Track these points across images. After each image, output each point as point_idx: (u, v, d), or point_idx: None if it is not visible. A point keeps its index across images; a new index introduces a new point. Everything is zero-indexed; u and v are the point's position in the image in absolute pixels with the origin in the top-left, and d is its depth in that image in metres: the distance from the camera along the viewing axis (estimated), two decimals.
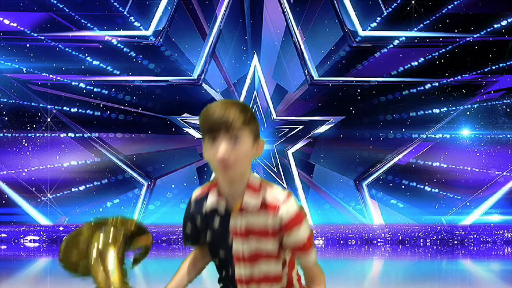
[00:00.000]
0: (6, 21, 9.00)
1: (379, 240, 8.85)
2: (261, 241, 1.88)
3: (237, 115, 1.77)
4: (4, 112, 9.10)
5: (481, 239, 8.88)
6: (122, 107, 9.21)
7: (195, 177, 9.08)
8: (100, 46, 9.16)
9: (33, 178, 9.02)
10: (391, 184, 9.22)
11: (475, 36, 9.09)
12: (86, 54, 9.10)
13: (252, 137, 1.83)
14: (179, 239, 8.46)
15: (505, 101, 9.18)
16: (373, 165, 9.25)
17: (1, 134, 9.07)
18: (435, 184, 9.15)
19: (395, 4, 9.10)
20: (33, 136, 9.10)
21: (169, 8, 9.15)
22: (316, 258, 1.97)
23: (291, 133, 9.24)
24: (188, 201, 1.99)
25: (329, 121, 9.22)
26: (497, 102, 9.20)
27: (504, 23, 9.06)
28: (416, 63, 9.16)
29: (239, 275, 1.92)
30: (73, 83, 9.12)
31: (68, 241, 2.07)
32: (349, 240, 8.82)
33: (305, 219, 1.90)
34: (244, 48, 9.28)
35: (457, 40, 9.11)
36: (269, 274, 1.91)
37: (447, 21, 9.11)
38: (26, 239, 8.76)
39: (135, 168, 9.16)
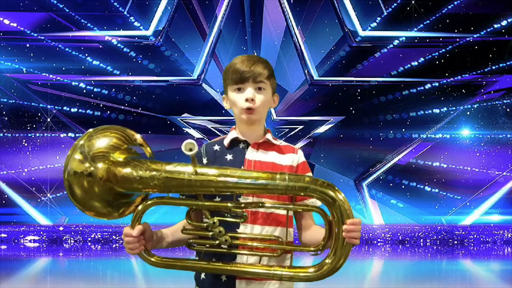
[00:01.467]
0: (6, 21, 9.00)
1: (379, 240, 8.85)
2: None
3: (262, 69, 2.10)
4: (4, 112, 9.10)
5: (481, 239, 8.88)
6: (122, 107, 9.21)
7: None
8: (100, 46, 9.16)
9: (33, 178, 9.02)
10: (391, 184, 9.22)
11: (475, 36, 9.09)
12: (86, 54, 9.11)
13: (272, 90, 2.15)
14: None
15: (505, 101, 9.18)
16: (373, 165, 9.25)
17: (1, 134, 9.07)
18: (435, 184, 9.15)
19: (395, 4, 9.10)
20: (33, 136, 9.10)
21: (169, 8, 9.15)
22: None
23: (291, 133, 9.24)
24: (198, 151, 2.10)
25: (329, 121, 9.22)
26: (497, 102, 9.20)
27: (504, 23, 9.06)
28: (416, 63, 9.16)
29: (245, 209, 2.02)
30: (73, 83, 9.13)
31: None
32: None
33: None
34: (244, 48, 9.28)
35: (457, 40, 9.12)
36: (273, 214, 2.04)
37: (447, 21, 9.11)
38: (26, 239, 8.76)
39: None
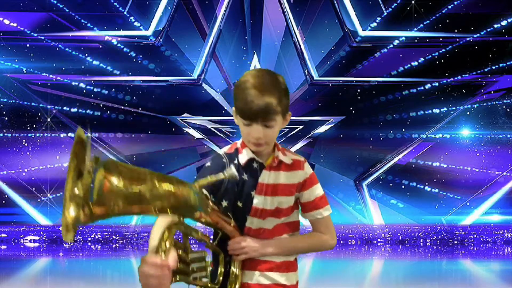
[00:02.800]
0: (6, 21, 8.99)
1: (379, 240, 8.85)
2: (282, 198, 2.07)
3: (273, 105, 1.93)
4: (4, 112, 9.10)
5: (481, 239, 8.88)
6: (122, 107, 9.21)
7: (195, 177, 9.05)
8: (100, 46, 9.16)
9: (33, 178, 9.01)
10: (391, 184, 9.22)
11: (475, 36, 9.09)
12: (86, 54, 9.10)
13: (283, 115, 2.01)
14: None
15: (505, 101, 9.18)
16: (373, 165, 9.25)
17: (1, 134, 9.07)
18: (435, 184, 9.14)
19: (395, 4, 9.10)
20: (33, 136, 9.10)
21: (169, 8, 9.15)
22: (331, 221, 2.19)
23: (291, 133, 9.24)
24: (215, 155, 2.08)
25: (329, 121, 9.21)
26: (497, 102, 9.19)
27: (504, 23, 9.06)
28: (416, 63, 9.16)
29: (249, 226, 2.05)
30: (73, 83, 9.12)
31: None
32: (349, 240, 8.81)
33: None
34: (244, 48, 9.28)
35: (457, 40, 9.11)
36: (280, 228, 2.08)
37: (447, 21, 9.11)
38: (26, 239, 8.76)
39: None
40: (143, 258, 1.63)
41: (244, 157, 2.04)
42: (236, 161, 2.04)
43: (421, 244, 8.80)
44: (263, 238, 2.07)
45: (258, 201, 2.04)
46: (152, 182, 1.61)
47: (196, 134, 9.18)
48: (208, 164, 2.06)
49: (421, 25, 9.10)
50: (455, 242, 8.83)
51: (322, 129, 9.17)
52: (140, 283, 1.64)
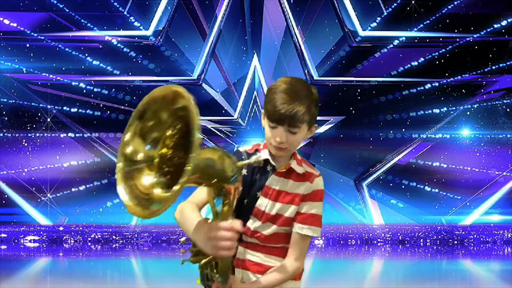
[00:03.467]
0: (6, 21, 9.00)
1: (379, 240, 8.85)
2: (284, 205, 2.08)
3: (301, 113, 1.98)
4: (4, 112, 9.10)
5: (481, 239, 8.88)
6: (122, 107, 9.21)
7: None
8: (100, 46, 9.16)
9: (33, 178, 9.01)
10: (391, 184, 9.22)
11: (475, 36, 9.09)
12: (86, 54, 9.10)
13: (309, 125, 2.06)
14: (179, 239, 8.44)
15: (505, 101, 9.18)
16: (373, 165, 9.25)
17: (1, 134, 9.07)
18: (435, 184, 9.14)
19: (395, 4, 9.10)
20: (33, 136, 9.10)
21: (169, 8, 9.15)
22: (308, 245, 2.11)
23: None
24: (236, 150, 2.12)
25: (329, 121, 9.22)
26: (497, 102, 9.20)
27: (504, 23, 9.06)
28: (416, 63, 9.16)
29: (249, 226, 2.08)
30: (73, 83, 9.12)
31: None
32: (349, 240, 8.82)
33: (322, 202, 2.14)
34: (244, 48, 9.28)
35: (457, 40, 9.11)
36: (275, 237, 2.08)
37: (447, 21, 9.11)
38: (26, 239, 8.76)
39: None
40: (209, 224, 1.76)
41: (262, 157, 2.04)
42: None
43: (421, 244, 8.80)
44: (258, 241, 2.08)
45: (261, 202, 2.07)
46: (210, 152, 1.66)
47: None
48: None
49: (421, 25, 9.10)
50: (455, 242, 8.83)
51: (322, 129, 9.17)
52: (205, 249, 1.75)
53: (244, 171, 2.08)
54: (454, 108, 9.20)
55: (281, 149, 2.03)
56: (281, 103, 1.96)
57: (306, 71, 9.19)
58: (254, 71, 9.24)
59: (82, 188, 9.07)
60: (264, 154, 2.09)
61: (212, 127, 9.21)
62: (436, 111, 9.21)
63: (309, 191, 2.09)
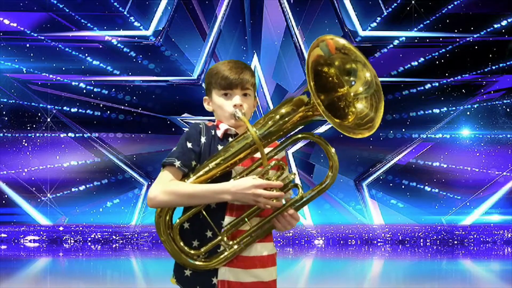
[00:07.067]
0: (6, 21, 8.99)
1: (379, 240, 8.85)
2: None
3: (250, 77, 2.21)
4: (4, 112, 9.09)
5: (481, 239, 8.88)
6: (122, 107, 9.21)
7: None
8: (100, 46, 9.16)
9: (33, 178, 9.01)
10: (391, 184, 9.22)
11: (475, 36, 9.09)
12: (86, 54, 9.10)
13: (254, 94, 2.26)
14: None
15: (505, 101, 9.18)
16: (373, 165, 9.25)
17: (1, 134, 9.07)
18: (435, 184, 9.14)
19: (395, 4, 9.10)
20: (33, 136, 9.09)
21: (169, 8, 9.15)
22: None
23: (291, 133, 9.23)
24: (194, 124, 2.20)
25: None
26: (497, 102, 9.19)
27: (504, 23, 9.06)
28: (416, 63, 9.16)
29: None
30: (73, 83, 9.12)
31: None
32: (349, 240, 8.82)
33: None
34: (244, 48, 9.28)
35: (457, 40, 9.11)
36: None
37: (447, 21, 9.11)
38: (26, 239, 8.76)
39: (135, 168, 9.16)
40: (254, 184, 2.03)
41: (221, 130, 2.18)
42: (214, 133, 2.18)
43: (421, 244, 8.80)
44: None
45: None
46: None
47: None
48: (187, 129, 2.20)
49: (421, 25, 9.10)
50: (455, 242, 8.83)
51: (322, 129, 9.16)
52: (246, 200, 2.04)
53: (203, 139, 2.15)
54: (454, 108, 9.20)
55: (239, 119, 2.12)
56: (229, 70, 2.18)
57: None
58: (254, 71, 9.24)
59: (82, 188, 9.07)
60: (222, 126, 2.18)
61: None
62: (436, 111, 9.21)
63: (282, 156, 2.29)
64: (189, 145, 2.13)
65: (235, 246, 2.07)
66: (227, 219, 2.10)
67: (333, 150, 2.15)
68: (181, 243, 2.11)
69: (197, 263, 2.09)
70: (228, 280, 2.10)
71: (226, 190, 2.04)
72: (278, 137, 2.15)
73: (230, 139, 2.16)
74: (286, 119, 2.13)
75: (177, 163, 2.11)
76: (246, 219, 2.08)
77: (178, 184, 2.09)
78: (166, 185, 2.09)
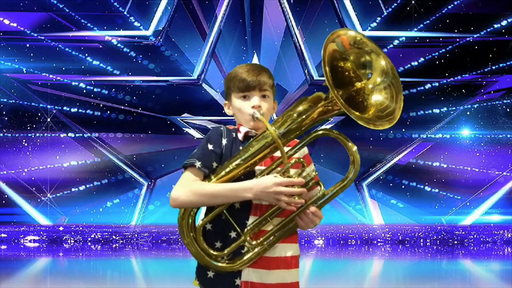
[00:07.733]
0: (6, 21, 9.00)
1: (379, 240, 8.85)
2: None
3: (267, 78, 2.21)
4: (4, 112, 9.10)
5: (481, 239, 8.88)
6: (122, 107, 9.21)
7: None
8: (100, 46, 9.16)
9: (33, 178, 9.01)
10: (391, 184, 9.22)
11: (475, 36, 9.09)
12: (86, 54, 9.10)
13: (273, 97, 2.27)
14: (179, 239, 8.45)
15: (505, 101, 9.18)
16: (373, 165, 9.25)
17: (1, 134, 9.07)
18: (435, 184, 9.14)
19: (395, 4, 9.10)
20: (33, 136, 9.09)
21: (169, 8, 9.15)
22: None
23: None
24: (216, 127, 2.21)
25: (329, 121, 9.22)
26: (497, 102, 9.19)
27: (504, 23, 9.06)
28: (416, 63, 9.16)
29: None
30: (73, 83, 9.12)
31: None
32: (349, 240, 8.82)
33: None
34: (244, 48, 9.28)
35: (457, 40, 9.11)
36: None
37: (447, 21, 9.11)
38: (26, 239, 8.76)
39: (135, 168, 9.16)
40: (275, 182, 2.03)
41: (241, 132, 2.19)
42: (235, 135, 2.19)
43: (421, 244, 8.80)
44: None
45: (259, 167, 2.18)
46: None
47: (196, 134, 9.18)
48: (209, 133, 2.19)
49: (421, 25, 9.10)
50: (455, 242, 8.83)
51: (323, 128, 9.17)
52: (273, 200, 2.05)
53: (224, 141, 2.15)
54: (454, 108, 9.20)
55: (258, 119, 2.13)
56: (247, 73, 2.19)
57: (306, 71, 9.19)
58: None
59: (82, 188, 9.07)
60: (242, 129, 2.19)
61: (212, 127, 9.21)
62: (436, 111, 9.21)
63: (304, 154, 2.34)
64: (210, 146, 2.13)
65: (259, 247, 2.06)
66: (252, 219, 2.10)
67: (354, 147, 2.29)
68: (205, 245, 2.08)
69: (220, 264, 2.06)
70: (252, 281, 2.08)
71: (248, 188, 2.04)
72: (297, 135, 2.14)
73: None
74: (304, 116, 2.13)
75: (198, 163, 2.09)
76: (268, 218, 2.07)
77: (200, 184, 2.08)
78: (188, 185, 2.08)
